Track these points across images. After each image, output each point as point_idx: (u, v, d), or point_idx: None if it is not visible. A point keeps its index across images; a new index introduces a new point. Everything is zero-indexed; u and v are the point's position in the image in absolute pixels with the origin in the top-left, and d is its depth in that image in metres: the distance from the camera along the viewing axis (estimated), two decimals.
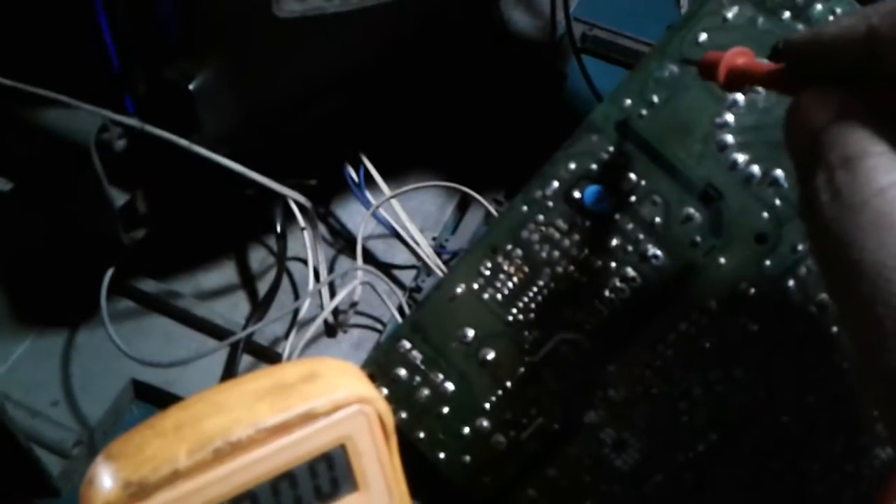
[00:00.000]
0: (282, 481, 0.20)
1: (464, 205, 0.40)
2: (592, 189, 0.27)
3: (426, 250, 0.35)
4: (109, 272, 0.29)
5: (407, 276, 0.37)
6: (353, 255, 0.36)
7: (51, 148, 0.25)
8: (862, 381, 0.17)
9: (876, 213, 0.16)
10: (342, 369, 0.22)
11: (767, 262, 0.26)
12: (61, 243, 0.32)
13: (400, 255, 0.38)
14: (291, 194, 0.30)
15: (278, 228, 0.34)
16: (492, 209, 0.36)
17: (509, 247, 0.28)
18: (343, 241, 0.38)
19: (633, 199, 0.27)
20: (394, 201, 0.36)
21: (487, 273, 0.29)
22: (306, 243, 0.35)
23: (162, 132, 0.24)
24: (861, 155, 0.17)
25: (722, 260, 0.27)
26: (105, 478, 0.19)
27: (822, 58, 0.19)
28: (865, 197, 0.16)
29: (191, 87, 0.24)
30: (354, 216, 0.39)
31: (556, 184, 0.28)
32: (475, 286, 0.29)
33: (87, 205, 0.27)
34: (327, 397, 0.21)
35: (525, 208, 0.28)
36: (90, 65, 0.24)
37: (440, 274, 0.35)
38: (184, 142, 0.24)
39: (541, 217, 0.28)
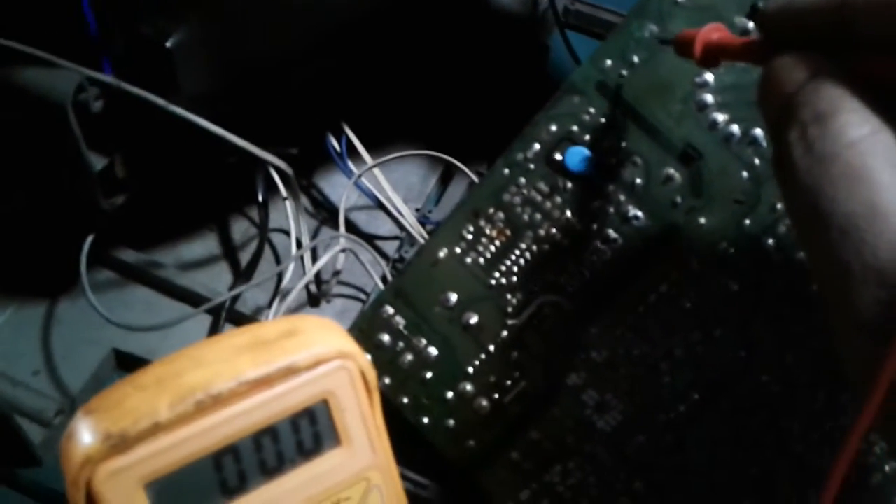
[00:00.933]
0: (264, 436, 0.20)
1: (447, 176, 0.40)
2: (574, 151, 0.27)
3: (410, 220, 0.35)
4: (89, 239, 0.29)
5: (390, 247, 0.37)
6: (335, 227, 0.36)
7: (28, 109, 0.24)
8: (833, 333, 0.17)
9: (847, 164, 0.16)
10: (323, 325, 0.22)
11: (747, 222, 0.26)
12: (40, 212, 0.32)
13: (383, 227, 0.38)
14: (272, 159, 0.30)
15: (260, 197, 0.34)
16: (475, 178, 0.36)
17: (491, 210, 0.29)
18: (325, 213, 0.38)
19: (613, 160, 0.27)
20: (377, 171, 0.36)
21: (469, 237, 0.29)
22: (288, 213, 0.35)
23: (139, 91, 0.24)
24: (833, 111, 0.17)
25: (702, 220, 0.27)
26: (85, 431, 0.19)
27: (795, 26, 0.19)
28: (837, 149, 0.16)
29: (168, 44, 0.24)
30: (337, 187, 0.39)
31: (537, 146, 0.28)
32: (457, 250, 0.29)
33: (65, 169, 0.26)
34: (309, 351, 0.21)
35: (506, 171, 0.28)
36: (66, 24, 0.24)
37: (423, 243, 0.35)
38: (161, 101, 0.24)
39: (522, 180, 0.28)
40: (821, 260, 0.17)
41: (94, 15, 0.24)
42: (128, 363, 0.33)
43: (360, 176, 0.35)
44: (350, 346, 0.21)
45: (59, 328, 0.33)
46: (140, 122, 0.26)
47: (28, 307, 0.33)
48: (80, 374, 0.32)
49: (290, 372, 0.20)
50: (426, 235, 0.35)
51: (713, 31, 0.21)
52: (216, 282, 0.35)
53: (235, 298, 0.32)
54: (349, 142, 0.36)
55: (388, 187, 0.36)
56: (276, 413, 0.20)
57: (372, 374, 0.22)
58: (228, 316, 0.33)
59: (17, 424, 0.29)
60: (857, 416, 0.15)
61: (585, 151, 0.27)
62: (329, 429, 0.21)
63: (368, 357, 0.29)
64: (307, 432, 0.21)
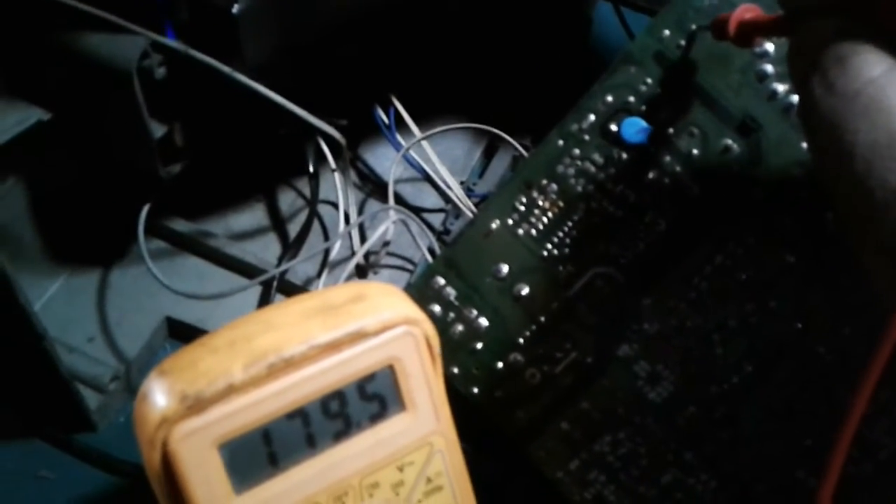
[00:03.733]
0: (332, 400, 0.21)
1: (491, 150, 0.40)
2: (630, 122, 0.27)
3: (457, 192, 0.35)
4: (147, 207, 0.29)
5: (436, 220, 0.38)
6: (382, 199, 0.36)
7: (92, 74, 0.25)
8: (861, 263, 0.18)
9: (868, 99, 0.18)
10: (389, 291, 0.22)
11: (805, 193, 0.26)
12: (94, 181, 0.32)
13: (429, 199, 0.38)
14: (326, 128, 0.30)
15: (311, 168, 0.34)
16: (521, 150, 0.36)
17: (544, 181, 0.29)
18: (372, 185, 0.38)
19: (670, 131, 0.27)
20: (424, 143, 0.36)
21: (522, 208, 0.29)
22: (337, 185, 0.35)
23: (206, 57, 0.24)
24: (852, 53, 0.18)
25: (759, 191, 0.27)
26: (160, 392, 0.19)
27: None
28: (858, 86, 0.18)
29: (234, 10, 0.24)
30: (383, 160, 0.39)
31: (592, 117, 0.28)
32: (510, 221, 0.29)
33: (125, 136, 0.27)
34: (376, 316, 0.21)
35: (560, 142, 0.28)
36: None
37: (470, 216, 0.35)
38: (226, 68, 0.24)
39: (576, 151, 0.28)
40: (846, 192, 0.18)
41: None
42: (180, 331, 0.33)
43: (408, 148, 0.35)
44: (416, 312, 0.22)
45: (112, 296, 0.33)
46: (201, 90, 0.26)
47: (81, 275, 0.34)
48: (134, 341, 0.32)
49: (359, 336, 0.21)
50: (472, 208, 0.35)
51: (746, 12, 0.23)
52: (265, 252, 0.35)
53: (286, 269, 0.32)
54: (397, 114, 0.36)
55: (436, 158, 0.36)
56: (343, 377, 0.21)
57: (436, 341, 0.22)
58: (279, 287, 0.33)
59: (76, 389, 0.29)
60: (884, 334, 0.17)
61: (641, 122, 0.27)
62: (394, 394, 0.21)
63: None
64: (373, 397, 0.21)
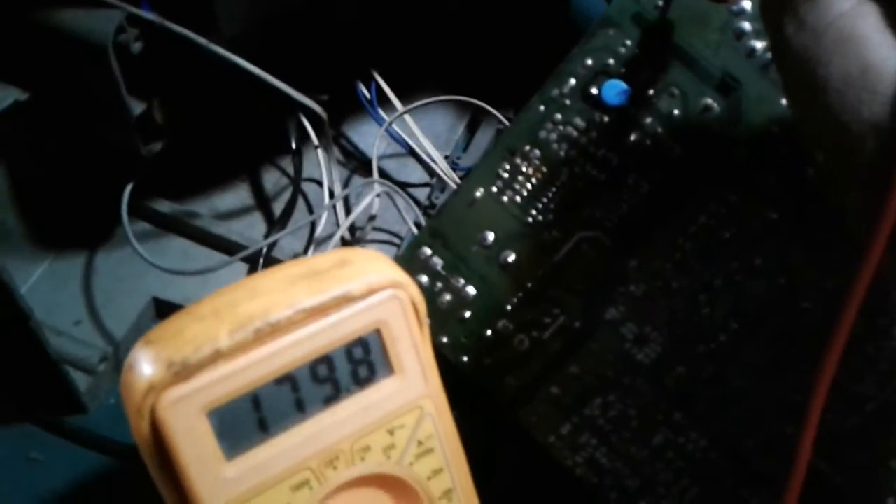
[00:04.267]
0: (320, 364, 0.21)
1: (474, 123, 0.40)
2: (610, 84, 0.27)
3: (442, 165, 0.35)
4: (129, 186, 0.29)
5: (421, 195, 0.38)
6: (367, 175, 0.36)
7: (67, 51, 0.24)
8: (834, 196, 0.19)
9: (838, 31, 0.18)
10: (374, 256, 0.22)
11: (786, 150, 0.26)
12: (76, 163, 0.32)
13: (413, 174, 0.38)
14: (306, 101, 0.30)
15: (293, 144, 0.34)
16: (505, 122, 0.36)
17: (527, 148, 0.29)
18: (356, 162, 0.38)
19: (650, 92, 0.27)
20: (407, 117, 0.36)
21: (506, 175, 0.29)
22: (320, 161, 0.35)
23: (181, 29, 0.24)
24: None
25: (741, 150, 0.27)
26: (146, 360, 0.19)
27: None
28: (828, 20, 0.18)
29: None
30: (366, 136, 0.39)
31: (572, 81, 0.28)
32: (494, 189, 0.29)
33: (104, 113, 0.26)
34: (362, 280, 0.21)
35: (542, 108, 0.28)
36: None
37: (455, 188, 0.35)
38: (202, 40, 0.24)
39: (558, 116, 0.28)
40: (819, 127, 0.18)
41: None
42: (167, 312, 0.33)
43: (391, 122, 0.35)
44: (402, 276, 0.22)
45: (97, 279, 0.33)
46: (178, 64, 0.26)
47: (65, 259, 0.34)
48: (122, 322, 0.32)
49: (345, 300, 0.21)
50: (458, 181, 0.35)
51: None
52: (251, 230, 0.35)
53: (273, 245, 0.32)
54: (379, 88, 0.36)
55: (419, 132, 0.36)
56: (331, 342, 0.21)
57: (422, 305, 0.22)
58: (265, 263, 0.33)
59: (65, 371, 0.29)
60: (860, 268, 0.17)
61: (622, 85, 0.27)
62: (382, 358, 0.21)
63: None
64: (361, 361, 0.21)
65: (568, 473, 0.30)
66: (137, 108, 0.26)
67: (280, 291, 0.20)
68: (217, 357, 0.19)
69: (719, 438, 0.28)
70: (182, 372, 0.19)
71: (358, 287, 0.21)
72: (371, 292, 0.21)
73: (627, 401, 0.29)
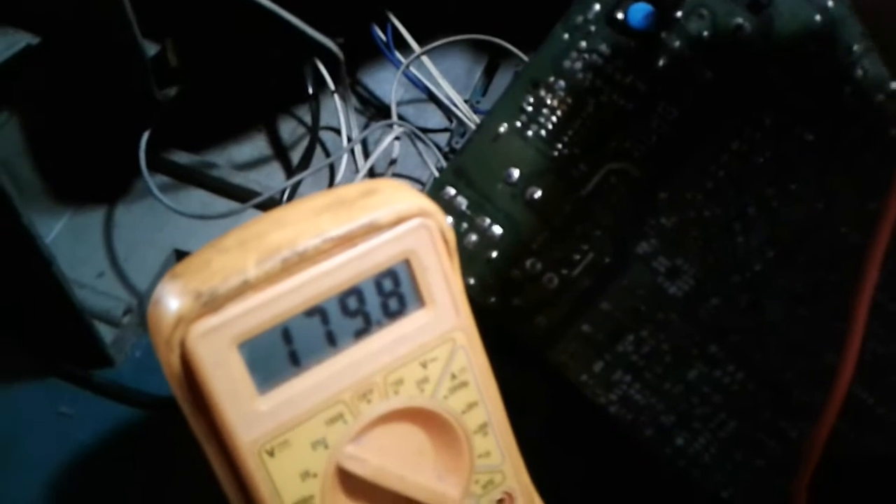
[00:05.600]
0: (349, 296, 0.20)
1: (493, 66, 0.39)
2: (636, 7, 0.26)
3: (462, 108, 0.35)
4: (147, 134, 0.28)
5: (440, 140, 0.37)
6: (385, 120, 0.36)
7: None
8: None
9: None
10: (400, 186, 0.21)
11: (821, 69, 0.26)
12: (91, 112, 0.31)
13: (432, 119, 0.37)
14: (323, 39, 0.29)
15: (310, 90, 0.33)
16: (525, 59, 0.35)
17: (551, 79, 0.28)
18: (374, 109, 0.37)
19: (678, 14, 0.26)
20: (425, 59, 0.35)
21: (530, 109, 0.28)
22: (338, 107, 0.34)
23: None
24: None
25: (775, 70, 0.26)
26: (174, 293, 0.19)
27: None
28: None
29: None
30: (383, 83, 0.38)
31: (597, 6, 0.27)
32: (518, 124, 0.28)
33: (117, 56, 0.26)
34: (390, 208, 0.20)
35: (566, 36, 0.27)
36: None
37: None
38: None
39: (583, 44, 0.27)
40: None
41: None
42: None
43: (408, 64, 0.34)
44: (429, 204, 0.21)
45: (118, 231, 0.33)
46: (191, 2, 0.25)
47: (85, 213, 0.33)
48: (145, 274, 0.32)
49: (373, 229, 0.20)
50: (478, 122, 0.35)
51: None
52: (270, 180, 0.35)
53: (295, 189, 0.31)
54: (395, 30, 0.35)
55: (438, 74, 0.35)
56: (359, 272, 0.20)
57: (451, 235, 0.21)
58: None
59: (90, 322, 0.29)
60: None
61: (648, 7, 0.26)
62: (412, 289, 0.21)
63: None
64: (391, 293, 0.21)
65: (602, 411, 0.29)
66: (151, 49, 0.26)
67: (306, 221, 0.20)
68: (245, 288, 0.19)
69: (757, 370, 0.28)
70: (211, 303, 0.18)
71: (385, 215, 0.20)
72: (399, 221, 0.20)
73: (661, 336, 0.28)
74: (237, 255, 0.19)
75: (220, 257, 0.19)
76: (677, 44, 0.26)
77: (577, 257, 0.28)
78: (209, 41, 0.28)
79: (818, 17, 0.25)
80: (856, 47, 0.25)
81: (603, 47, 0.27)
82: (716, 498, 0.29)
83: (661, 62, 0.27)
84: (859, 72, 0.25)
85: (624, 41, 0.27)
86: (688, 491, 0.29)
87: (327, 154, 0.36)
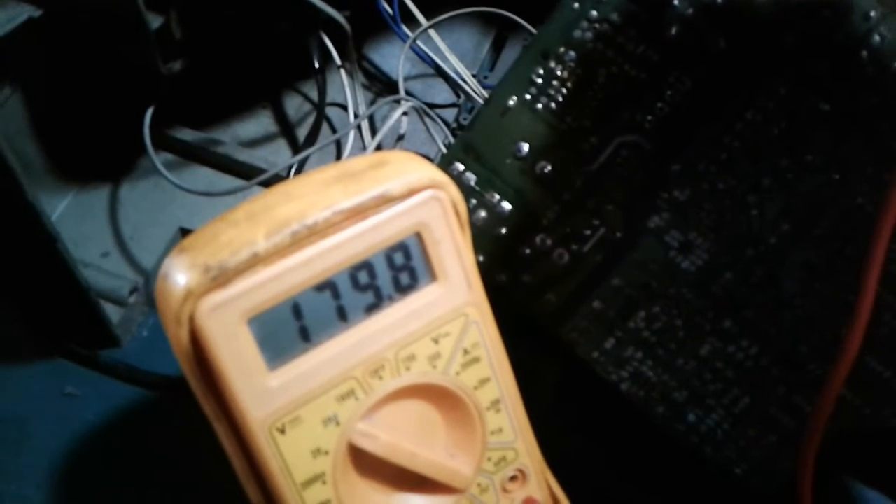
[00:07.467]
0: (360, 271, 0.20)
1: (500, 41, 0.39)
2: None
3: (470, 81, 0.34)
4: (151, 110, 0.28)
5: (448, 116, 0.36)
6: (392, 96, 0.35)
7: None
8: None
9: None
10: (411, 157, 0.21)
11: (838, 35, 0.25)
12: (95, 89, 0.31)
13: (440, 95, 0.37)
14: (329, 10, 0.29)
15: (316, 64, 0.33)
16: (533, 32, 0.35)
17: (561, 50, 0.27)
18: (381, 84, 0.37)
19: None
20: (433, 33, 0.34)
21: (539, 81, 0.28)
22: (344, 82, 0.34)
23: None
24: None
25: (788, 38, 0.25)
26: (182, 268, 0.18)
27: None
28: None
29: None
30: (389, 58, 0.37)
31: None
32: (527, 96, 0.28)
33: (121, 29, 0.25)
34: (400, 180, 0.20)
35: (576, 5, 0.27)
36: None
37: None
38: None
39: (594, 13, 0.27)
40: None
41: None
42: None
43: (416, 38, 0.33)
44: (441, 176, 0.21)
45: (123, 210, 0.32)
46: None
47: (89, 191, 0.33)
48: (150, 253, 0.32)
49: (384, 201, 0.20)
50: (486, 96, 0.34)
51: None
52: (276, 157, 0.34)
53: (302, 165, 0.31)
54: (401, 3, 0.34)
55: (446, 48, 0.34)
56: (370, 246, 0.20)
57: (463, 207, 0.21)
58: None
59: (96, 301, 0.29)
60: None
61: None
62: (424, 263, 0.20)
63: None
64: (402, 267, 0.20)
65: (613, 388, 0.29)
66: (155, 21, 0.25)
67: (316, 194, 0.19)
68: (255, 261, 0.18)
69: (771, 345, 0.27)
70: (220, 277, 0.18)
71: (396, 187, 0.20)
72: (410, 193, 0.20)
73: (673, 311, 0.28)
74: (246, 228, 0.19)
75: (229, 230, 0.19)
76: (690, 11, 0.26)
77: (588, 232, 0.28)
78: (214, 13, 0.28)
79: None
80: (873, 13, 0.25)
81: (614, 16, 0.27)
82: (729, 474, 0.28)
83: (673, 31, 0.26)
84: (876, 38, 0.25)
85: (636, 10, 0.26)
86: (700, 467, 0.29)
87: (334, 130, 0.35)
